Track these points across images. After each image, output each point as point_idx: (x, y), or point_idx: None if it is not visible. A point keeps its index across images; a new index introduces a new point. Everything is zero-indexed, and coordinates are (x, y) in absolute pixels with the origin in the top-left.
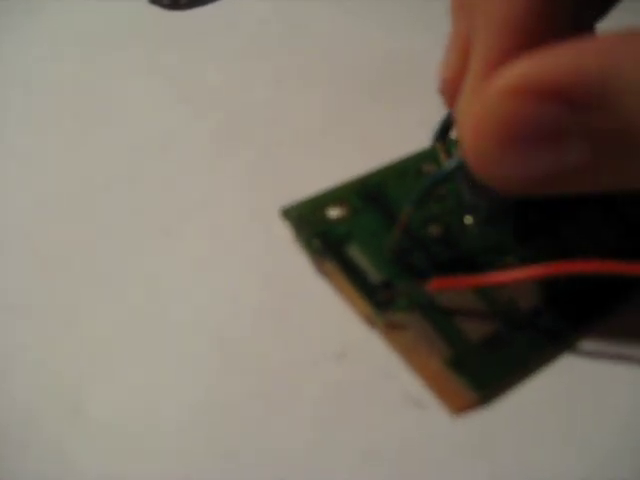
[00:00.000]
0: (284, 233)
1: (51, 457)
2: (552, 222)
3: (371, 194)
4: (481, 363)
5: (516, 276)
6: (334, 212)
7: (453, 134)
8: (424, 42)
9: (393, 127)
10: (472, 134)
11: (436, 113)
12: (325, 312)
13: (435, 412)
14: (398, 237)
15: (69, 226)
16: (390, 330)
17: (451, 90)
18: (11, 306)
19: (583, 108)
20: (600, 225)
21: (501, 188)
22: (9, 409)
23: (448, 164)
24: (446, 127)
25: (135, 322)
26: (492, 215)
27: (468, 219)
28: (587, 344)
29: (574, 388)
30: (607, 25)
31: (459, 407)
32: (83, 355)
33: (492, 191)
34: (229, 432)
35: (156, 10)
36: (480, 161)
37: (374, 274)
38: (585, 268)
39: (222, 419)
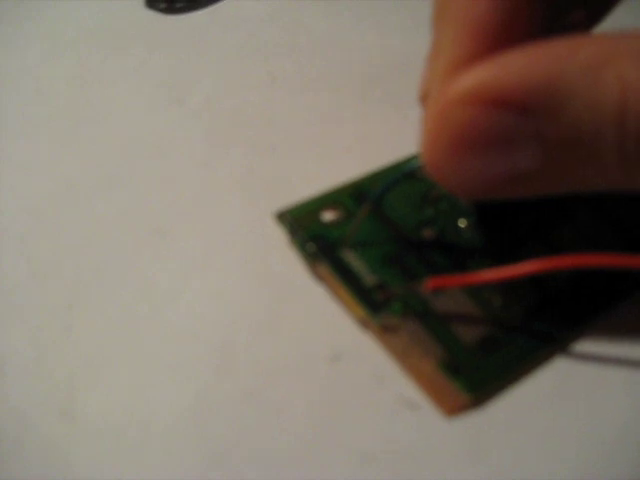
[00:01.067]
0: (278, 236)
1: (44, 460)
2: (545, 225)
3: (366, 198)
4: (475, 365)
5: (512, 273)
6: (328, 216)
7: None
8: (421, 44)
9: (388, 130)
10: (427, 140)
11: None
12: (319, 315)
13: (429, 414)
14: (356, 228)
15: (63, 228)
16: (384, 333)
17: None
18: (6, 309)
19: (532, 115)
20: (593, 227)
21: (456, 192)
22: (2, 412)
23: (414, 162)
24: None
25: (128, 324)
26: (486, 219)
27: (462, 222)
28: (580, 346)
29: (567, 390)
30: (610, 26)
31: (453, 409)
32: (77, 358)
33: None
34: (222, 435)
35: (152, 14)
36: (435, 166)
37: (368, 277)
38: (579, 262)
39: (215, 422)
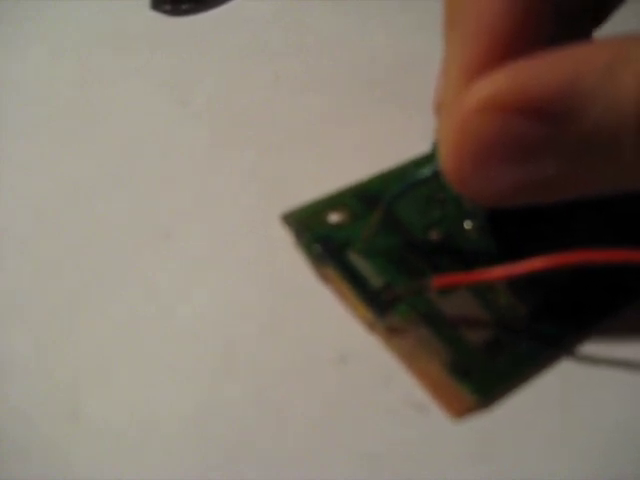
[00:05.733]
0: (284, 238)
1: (46, 460)
2: (550, 227)
3: (372, 199)
4: (481, 367)
5: (517, 270)
6: (335, 217)
7: None
8: (426, 45)
9: (394, 131)
10: (447, 150)
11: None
12: (325, 317)
13: (435, 416)
14: (369, 234)
15: (65, 228)
16: (390, 335)
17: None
18: (8, 310)
19: (552, 120)
20: (600, 227)
21: (477, 200)
22: (6, 413)
23: (429, 167)
24: None
25: (131, 325)
26: (492, 221)
27: (468, 224)
28: (587, 348)
29: (573, 392)
30: (612, 29)
31: (459, 411)
32: (79, 358)
33: None
34: (228, 436)
35: (157, 16)
36: (456, 176)
37: (374, 279)
38: (587, 258)
39: (221, 423)
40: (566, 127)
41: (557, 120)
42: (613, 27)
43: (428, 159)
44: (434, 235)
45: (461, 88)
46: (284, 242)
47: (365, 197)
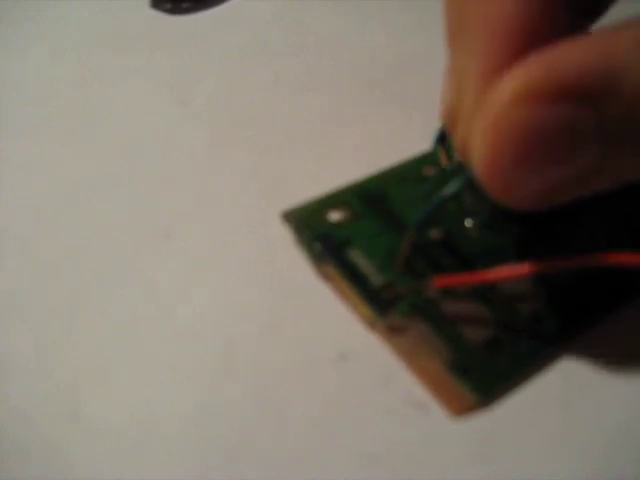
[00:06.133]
0: (284, 236)
1: (46, 460)
2: (553, 226)
3: (372, 198)
4: (482, 366)
5: (518, 272)
6: (335, 216)
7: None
8: (426, 45)
9: (394, 130)
10: (483, 153)
11: (437, 115)
12: (325, 316)
13: (435, 415)
14: (405, 255)
15: (66, 228)
16: (391, 333)
17: (453, 117)
18: (8, 310)
19: (590, 99)
20: (603, 227)
21: (517, 205)
22: (6, 413)
23: (453, 184)
24: (446, 131)
25: (131, 325)
26: (493, 219)
27: (469, 223)
28: (587, 348)
29: (574, 391)
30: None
31: (459, 410)
32: (79, 358)
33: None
34: (228, 435)
35: (157, 14)
36: (495, 180)
37: (375, 278)
38: (586, 261)
39: (221, 422)
40: (608, 104)
41: (597, 99)
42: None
43: (428, 158)
44: (435, 233)
45: (481, 91)
46: (284, 241)
47: (365, 196)
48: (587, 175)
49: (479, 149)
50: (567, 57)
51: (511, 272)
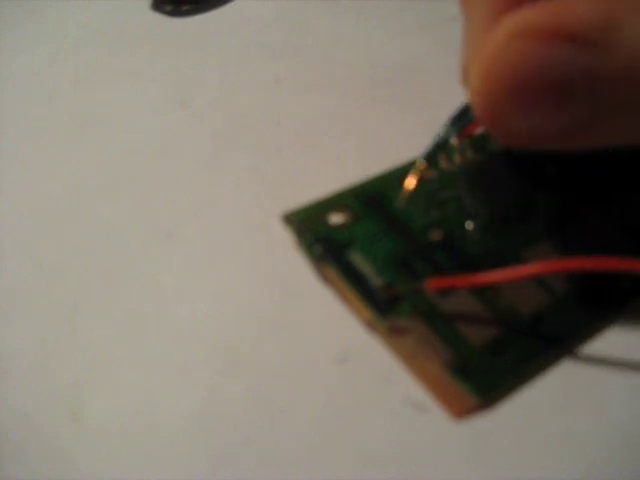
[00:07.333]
0: (285, 238)
1: (49, 462)
2: (554, 227)
3: (373, 200)
4: (482, 367)
5: (515, 274)
6: (336, 218)
7: (453, 140)
8: (426, 45)
9: (395, 132)
10: (479, 82)
11: (438, 118)
12: (326, 317)
13: (436, 416)
14: (409, 192)
15: (68, 229)
16: (391, 335)
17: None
18: (9, 310)
19: (591, 46)
20: (603, 229)
21: (508, 141)
22: (7, 413)
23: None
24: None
25: (134, 326)
26: (493, 221)
27: (469, 224)
28: (588, 349)
29: (574, 393)
30: None
31: (460, 411)
32: (82, 359)
33: (493, 198)
34: (229, 436)
35: (158, 16)
36: (487, 111)
37: (375, 279)
38: (583, 265)
39: (222, 423)
40: (603, 57)
41: (594, 48)
42: None
43: (428, 160)
44: (435, 235)
45: (488, 27)
46: (285, 242)
47: (366, 198)
48: (575, 129)
49: (475, 79)
50: (570, 6)
51: (506, 275)
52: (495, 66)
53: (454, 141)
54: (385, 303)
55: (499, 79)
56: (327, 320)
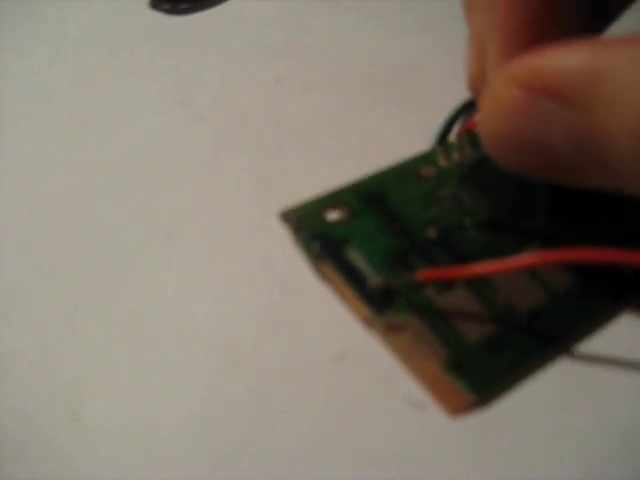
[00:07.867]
0: (283, 236)
1: (49, 462)
2: (552, 225)
3: (370, 197)
4: (479, 365)
5: (506, 266)
6: (333, 215)
7: (452, 137)
8: (426, 45)
9: (392, 130)
10: (483, 112)
11: (435, 116)
12: (324, 315)
13: (433, 414)
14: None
15: (68, 229)
16: (388, 332)
17: (477, 83)
18: (10, 310)
19: (568, 105)
20: (601, 229)
21: (506, 166)
22: (7, 413)
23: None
24: (446, 131)
25: (134, 326)
26: (490, 219)
27: (466, 221)
28: (585, 347)
29: (571, 391)
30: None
31: (457, 409)
32: (82, 359)
33: (491, 196)
34: (229, 435)
35: (156, 15)
36: (488, 136)
37: (372, 277)
38: (576, 256)
39: (221, 422)
40: (579, 115)
41: (572, 106)
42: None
43: (427, 158)
44: (432, 232)
45: (501, 63)
46: (283, 240)
47: (363, 195)
48: (568, 176)
49: (481, 111)
50: (558, 60)
51: (496, 266)
52: (495, 104)
53: (453, 138)
54: (382, 300)
55: (497, 115)
56: (326, 319)
